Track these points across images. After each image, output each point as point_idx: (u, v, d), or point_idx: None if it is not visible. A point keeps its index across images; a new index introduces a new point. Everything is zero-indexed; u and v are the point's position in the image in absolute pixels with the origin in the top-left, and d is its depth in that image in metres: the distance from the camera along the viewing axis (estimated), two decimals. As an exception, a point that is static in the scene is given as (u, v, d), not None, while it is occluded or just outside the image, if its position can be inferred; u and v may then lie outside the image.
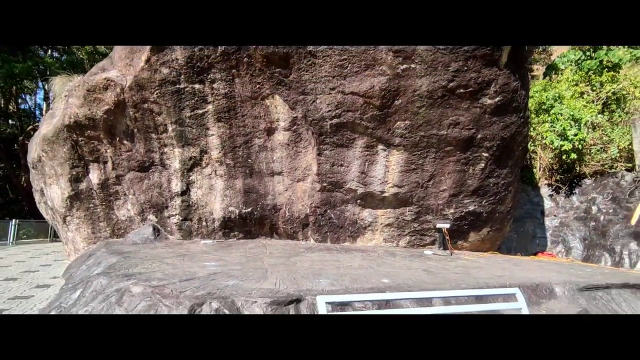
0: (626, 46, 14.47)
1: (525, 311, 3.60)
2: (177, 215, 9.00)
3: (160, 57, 7.36)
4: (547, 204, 10.85)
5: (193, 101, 7.79)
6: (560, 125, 9.82)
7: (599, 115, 10.77)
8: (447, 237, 8.92)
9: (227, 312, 3.92)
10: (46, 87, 19.89)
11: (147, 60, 7.44)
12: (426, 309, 3.49)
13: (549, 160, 10.79)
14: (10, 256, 11.03)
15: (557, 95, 10.73)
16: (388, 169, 8.23)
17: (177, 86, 7.63)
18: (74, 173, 8.81)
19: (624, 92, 13.26)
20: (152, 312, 3.93)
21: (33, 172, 9.88)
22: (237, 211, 8.92)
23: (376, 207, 8.86)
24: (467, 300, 4.00)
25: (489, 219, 8.92)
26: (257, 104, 7.77)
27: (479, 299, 3.97)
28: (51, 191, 9.40)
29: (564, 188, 10.63)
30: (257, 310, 3.97)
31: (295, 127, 7.99)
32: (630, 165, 9.77)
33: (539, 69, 18.75)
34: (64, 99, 8.69)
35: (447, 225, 8.77)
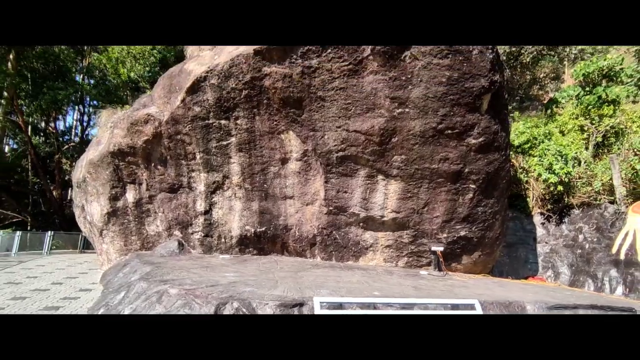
0: (623, 84, 15.29)
1: (481, 318, 4.53)
2: (200, 232, 10.17)
3: (194, 97, 8.73)
4: (539, 231, 11.62)
5: (219, 134, 9.10)
6: (547, 160, 10.75)
7: (584, 152, 11.64)
8: (441, 259, 9.81)
9: (245, 311, 4.98)
10: (85, 111, 21.85)
11: (183, 100, 8.82)
12: (396, 311, 4.50)
13: (541, 190, 11.64)
14: (49, 264, 12.35)
15: (547, 131, 11.69)
16: (387, 196, 9.27)
17: (206, 121, 8.96)
18: (113, 192, 10.15)
19: (622, 127, 14.08)
20: (187, 309, 5.03)
21: (77, 190, 11.29)
22: (253, 230, 10.04)
23: (377, 229, 9.85)
24: (429, 307, 4.97)
25: (479, 244, 9.80)
26: (274, 137, 9.02)
27: (442, 306, 4.94)
28: (91, 207, 10.74)
29: (555, 217, 11.43)
30: (269, 310, 5.03)
31: (306, 158, 9.17)
32: (612, 197, 10.55)
33: (536, 108, 19.65)
34: (109, 129, 10.13)
35: (441, 249, 9.68)
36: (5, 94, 19.16)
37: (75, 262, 13.53)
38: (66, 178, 23.89)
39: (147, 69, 18.04)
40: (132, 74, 17.85)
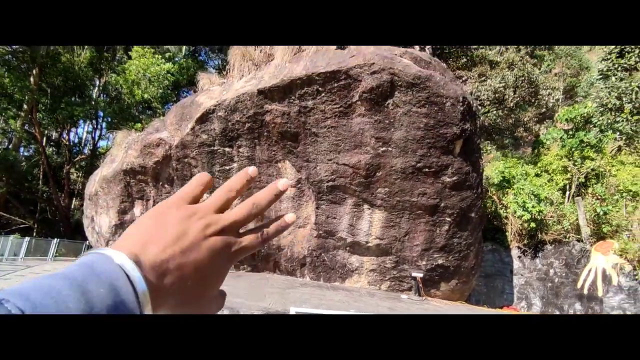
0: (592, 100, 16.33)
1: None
2: (199, 248, 11.02)
3: (202, 126, 9.80)
4: (516, 264, 12.39)
5: (222, 159, 10.11)
6: (522, 199, 11.68)
7: (556, 193, 12.59)
8: (421, 285, 10.59)
9: (234, 318, 5.82)
10: (98, 126, 23.09)
11: (192, 128, 9.89)
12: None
13: (518, 226, 12.50)
14: (55, 270, 13.10)
15: (524, 171, 12.68)
16: (372, 223, 10.16)
17: (212, 148, 9.99)
18: (122, 207, 11.09)
19: (601, 170, 15.04)
20: (184, 314, 5.86)
21: (88, 202, 12.25)
22: (248, 248, 10.89)
23: (362, 254, 10.68)
24: None
25: (455, 272, 10.59)
26: (272, 165, 10.02)
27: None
28: (100, 219, 11.66)
29: (530, 251, 12.23)
30: (255, 319, 5.86)
31: (299, 185, 10.14)
32: (579, 236, 11.41)
33: (519, 148, 20.69)
34: (123, 149, 11.18)
35: (421, 275, 10.47)
36: (25, 106, 20.45)
37: (79, 269, 14.28)
38: (72, 188, 24.89)
39: (160, 90, 19.34)
40: (145, 95, 19.14)
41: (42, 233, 21.91)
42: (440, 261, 10.35)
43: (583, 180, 14.96)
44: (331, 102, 8.60)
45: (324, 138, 9.17)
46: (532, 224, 11.47)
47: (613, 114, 11.03)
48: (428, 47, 13.92)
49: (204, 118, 9.70)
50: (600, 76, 11.77)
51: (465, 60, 18.27)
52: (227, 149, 9.95)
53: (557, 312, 10.40)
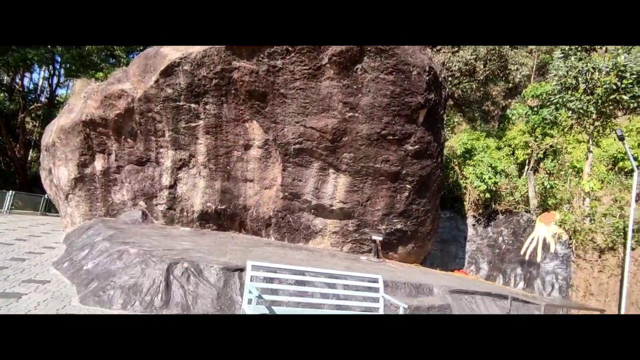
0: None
1: (381, 291, 5.78)
2: (164, 204, 10.97)
3: (167, 80, 9.42)
4: (470, 231, 13.26)
5: (188, 116, 9.86)
6: (480, 170, 12.31)
7: (512, 166, 13.33)
8: (380, 248, 11.17)
9: (193, 271, 5.99)
10: (55, 72, 21.48)
11: (156, 81, 9.49)
12: (317, 278, 5.67)
13: (475, 196, 13.24)
14: (11, 222, 12.72)
15: (485, 145, 13.25)
16: (336, 187, 10.44)
17: (177, 103, 9.69)
18: (82, 160, 10.70)
19: (559, 147, 15.92)
20: (143, 265, 5.96)
21: (45, 153, 11.70)
22: (214, 207, 10.95)
23: (326, 216, 11.03)
24: (339, 277, 6.22)
25: (413, 237, 11.22)
26: (239, 125, 9.91)
27: (351, 277, 6.19)
28: (59, 171, 11.23)
29: (483, 220, 13.09)
30: (213, 272, 6.06)
31: (266, 146, 10.14)
32: (527, 208, 12.30)
33: (488, 121, 21.39)
34: (82, 99, 10.62)
35: (380, 238, 11.02)
36: (-29, 46, 18.62)
37: (37, 223, 13.90)
38: (28, 138, 23.50)
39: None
40: (108, 43, 17.87)
41: (-3, 185, 20.82)
42: (399, 226, 10.89)
43: (542, 156, 15.84)
44: (300, 63, 8.47)
45: (292, 100, 9.11)
46: (487, 195, 12.19)
47: (570, 92, 11.55)
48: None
49: (169, 71, 9.31)
50: (562, 55, 12.18)
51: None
52: (193, 105, 9.69)
53: (501, 276, 11.39)
